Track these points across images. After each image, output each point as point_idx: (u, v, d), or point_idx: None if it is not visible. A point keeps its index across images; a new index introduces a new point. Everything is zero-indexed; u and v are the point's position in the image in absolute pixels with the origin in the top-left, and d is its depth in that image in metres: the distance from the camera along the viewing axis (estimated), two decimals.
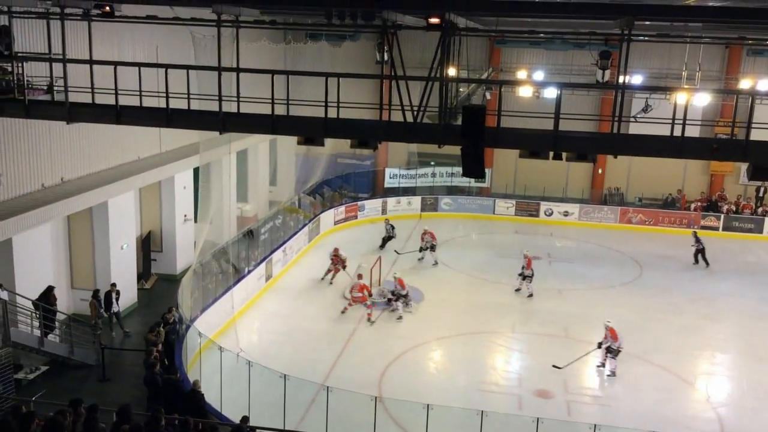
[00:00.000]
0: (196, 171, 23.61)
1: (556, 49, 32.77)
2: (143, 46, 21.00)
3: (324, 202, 32.13)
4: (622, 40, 12.22)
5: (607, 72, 15.00)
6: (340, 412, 14.35)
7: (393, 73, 12.61)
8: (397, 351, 19.26)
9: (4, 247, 16.45)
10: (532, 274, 23.81)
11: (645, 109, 24.55)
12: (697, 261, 28.26)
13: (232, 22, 13.87)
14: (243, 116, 13.30)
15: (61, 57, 13.43)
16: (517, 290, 23.99)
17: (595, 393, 17.78)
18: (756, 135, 11.81)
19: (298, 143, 13.82)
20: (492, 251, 29.30)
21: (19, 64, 13.50)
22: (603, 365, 18.58)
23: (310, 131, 13.31)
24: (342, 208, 32.13)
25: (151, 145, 22.43)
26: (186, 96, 13.55)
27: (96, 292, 19.00)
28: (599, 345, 18.59)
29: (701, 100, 22.64)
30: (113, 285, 19.47)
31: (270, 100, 12.91)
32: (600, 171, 35.85)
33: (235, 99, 13.27)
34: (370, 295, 21.84)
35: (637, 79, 27.96)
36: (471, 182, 34.15)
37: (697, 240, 28.37)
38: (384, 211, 33.69)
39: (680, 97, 15.24)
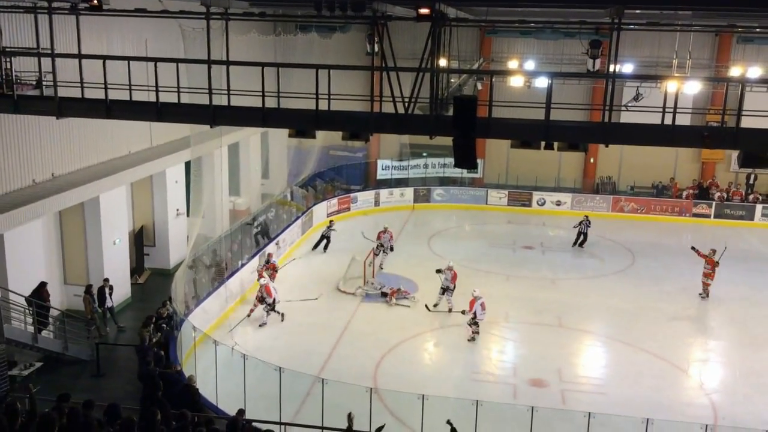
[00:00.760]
0: (187, 165, 23.55)
1: (547, 39, 32.79)
2: (132, 39, 20.86)
3: (317, 195, 32.11)
4: (612, 29, 12.22)
5: (598, 61, 15.04)
6: (336, 404, 14.37)
7: (384, 65, 12.57)
8: (391, 342, 19.30)
9: None
10: (454, 288, 21.79)
11: (636, 98, 24.61)
12: (577, 243, 28.66)
13: (222, 15, 13.80)
14: (233, 109, 13.24)
15: (49, 52, 13.33)
16: (435, 305, 21.54)
17: (589, 381, 17.83)
18: (746, 122, 11.84)
19: (290, 136, 13.78)
20: (485, 241, 29.37)
21: (7, 59, 13.39)
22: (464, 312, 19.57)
23: (301, 124, 13.27)
24: (335, 200, 32.14)
25: (142, 140, 22.33)
26: (176, 90, 13.48)
27: (89, 288, 18.94)
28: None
29: (692, 88, 22.68)
30: (106, 280, 19.41)
31: (260, 93, 12.86)
32: (592, 160, 35.93)
33: (226, 92, 13.21)
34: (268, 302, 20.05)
35: (627, 68, 28.01)
36: (463, 173, 34.18)
37: (582, 223, 28.70)
38: (377, 203, 33.73)
39: (671, 86, 15.29)
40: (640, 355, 19.10)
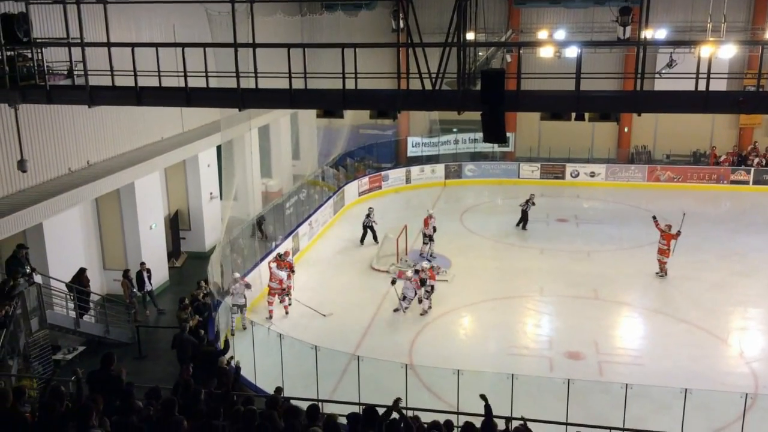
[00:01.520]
0: (219, 149, 23.76)
1: (576, 7, 32.15)
2: (160, 26, 21.04)
3: (348, 174, 32.17)
4: None
5: (628, 28, 14.71)
6: (372, 380, 14.53)
7: (410, 41, 12.47)
8: (426, 319, 19.38)
9: (36, 232, 16.76)
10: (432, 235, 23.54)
11: (669, 65, 24.11)
12: (520, 224, 27.02)
13: None
14: (261, 92, 13.25)
15: (79, 41, 13.48)
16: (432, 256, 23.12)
17: (627, 353, 17.72)
18: None
19: (318, 116, 13.78)
20: (517, 216, 29.12)
21: (39, 50, 13.58)
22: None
23: (329, 104, 13.24)
24: (366, 179, 32.18)
25: (174, 125, 22.59)
26: (204, 74, 13.56)
27: (126, 272, 19.31)
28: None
29: (727, 52, 22.18)
30: (142, 264, 19.74)
31: (287, 75, 12.87)
32: (626, 130, 35.37)
33: (253, 75, 13.23)
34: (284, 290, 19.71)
35: (661, 34, 27.43)
36: (494, 147, 33.88)
37: (528, 201, 26.93)
38: (408, 180, 33.69)
39: (704, 51, 14.93)
40: (679, 325, 18.90)
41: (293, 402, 10.20)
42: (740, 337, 18.44)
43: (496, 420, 9.99)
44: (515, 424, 10.73)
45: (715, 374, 16.25)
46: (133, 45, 13.30)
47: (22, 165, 14.47)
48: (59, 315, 16.15)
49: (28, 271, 15.38)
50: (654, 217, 22.93)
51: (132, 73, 13.04)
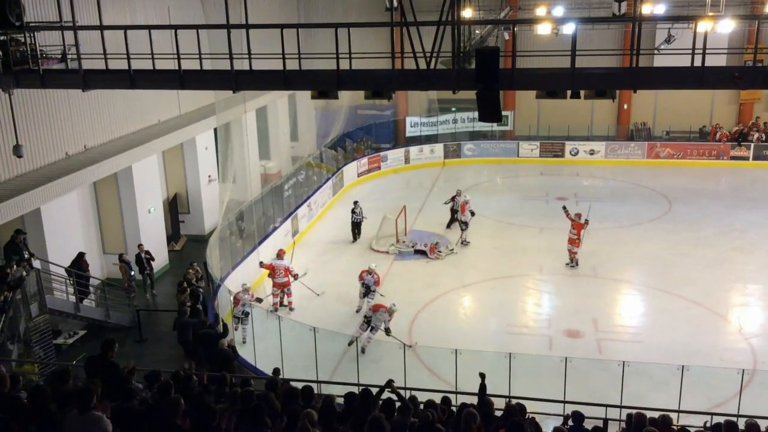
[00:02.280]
0: (216, 131, 23.67)
1: None
2: (155, 8, 20.89)
3: (346, 155, 32.10)
4: None
5: (624, 3, 14.57)
6: (372, 361, 14.58)
7: (404, 20, 12.36)
8: (426, 299, 19.42)
9: (34, 217, 16.76)
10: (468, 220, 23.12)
11: (668, 40, 23.99)
12: (450, 226, 24.79)
13: None
14: (255, 73, 13.18)
15: (71, 25, 13.39)
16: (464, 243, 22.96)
17: (625, 330, 17.77)
18: None
19: (312, 97, 13.69)
20: (517, 194, 29.18)
21: (31, 34, 13.48)
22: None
23: (323, 84, 13.17)
24: (365, 160, 32.13)
25: (170, 108, 22.51)
26: (198, 57, 13.48)
27: (121, 256, 19.30)
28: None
29: (726, 27, 21.99)
30: (140, 246, 19.74)
31: (281, 56, 12.78)
32: (625, 107, 35.18)
33: (247, 57, 13.15)
34: (295, 277, 19.05)
35: (660, 9, 27.19)
36: (493, 126, 33.81)
37: (455, 199, 24.43)
38: (407, 160, 33.63)
39: (702, 26, 14.78)
40: (678, 302, 18.93)
41: (293, 383, 10.27)
42: (739, 313, 18.46)
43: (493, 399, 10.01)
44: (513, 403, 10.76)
45: (714, 350, 16.30)
46: (125, 27, 13.19)
47: (17, 150, 14.42)
48: (59, 300, 16.20)
49: (26, 256, 15.41)
50: (564, 207, 21.95)
51: (125, 56, 12.96)
